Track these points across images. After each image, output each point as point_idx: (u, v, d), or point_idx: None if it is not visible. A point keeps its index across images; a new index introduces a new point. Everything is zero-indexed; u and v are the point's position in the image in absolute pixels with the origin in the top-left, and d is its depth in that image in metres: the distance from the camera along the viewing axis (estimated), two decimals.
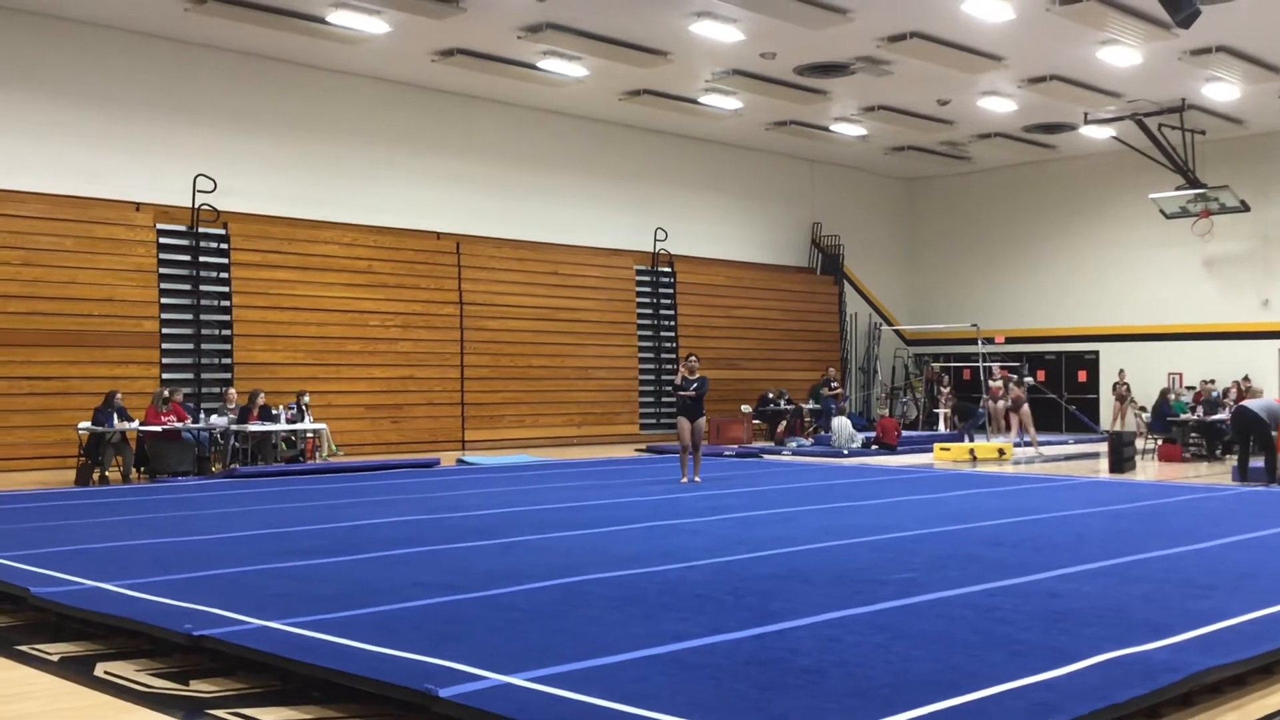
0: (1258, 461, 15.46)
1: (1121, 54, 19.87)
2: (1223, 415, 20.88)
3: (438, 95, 22.80)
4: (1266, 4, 17.35)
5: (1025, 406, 22.06)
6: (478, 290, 22.97)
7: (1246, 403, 15.62)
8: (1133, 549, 8.95)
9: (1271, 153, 26.39)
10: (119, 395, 16.39)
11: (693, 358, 15.45)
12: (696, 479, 15.14)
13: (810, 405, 26.21)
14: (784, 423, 25.13)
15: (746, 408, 25.58)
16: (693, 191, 27.37)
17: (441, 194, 22.97)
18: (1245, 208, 24.97)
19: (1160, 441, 20.60)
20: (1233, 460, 19.95)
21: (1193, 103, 23.31)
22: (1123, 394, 26.53)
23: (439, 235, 22.88)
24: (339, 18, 18.07)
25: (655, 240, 26.33)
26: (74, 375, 17.81)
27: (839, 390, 27.00)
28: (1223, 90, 22.38)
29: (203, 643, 5.82)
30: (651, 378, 25.96)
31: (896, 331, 31.40)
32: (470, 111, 23.36)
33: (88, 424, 16.04)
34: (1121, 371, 27.20)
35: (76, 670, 5.78)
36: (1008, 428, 24.69)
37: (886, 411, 25.27)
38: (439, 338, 22.32)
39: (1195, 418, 20.78)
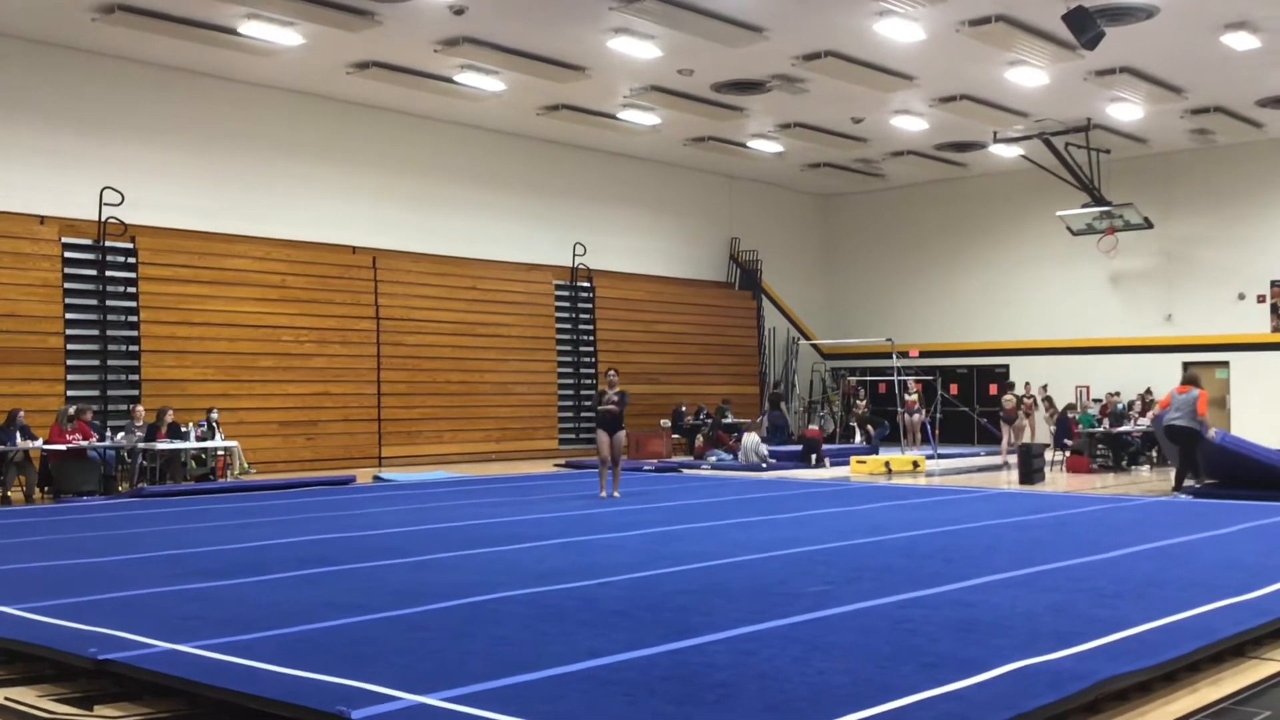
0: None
1: (1029, 74, 20.33)
2: (1128, 427, 21.41)
3: (353, 108, 22.59)
4: (1168, 27, 17.87)
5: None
6: (395, 305, 22.76)
7: (1170, 420, 15.61)
8: (1041, 559, 9.12)
9: (1174, 171, 27.17)
10: (22, 413, 15.96)
11: (612, 372, 15.51)
12: (615, 494, 15.15)
13: (730, 420, 26.35)
14: (700, 437, 25.23)
15: (665, 422, 25.66)
16: (611, 206, 27.43)
17: (358, 208, 22.74)
18: (1149, 225, 25.67)
19: (1068, 453, 21.05)
20: (1139, 470, 20.51)
21: (1098, 122, 23.94)
22: (1029, 407, 27.02)
23: (355, 249, 22.64)
24: (251, 29, 17.82)
25: (574, 255, 26.33)
26: None
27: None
28: (1126, 110, 23.00)
29: (108, 667, 5.68)
30: (571, 393, 25.92)
31: (814, 346, 31.74)
32: (386, 125, 23.18)
33: None
34: (1027, 384, 27.71)
35: None
36: (924, 440, 25.07)
37: (816, 425, 25.41)
38: (355, 353, 22.06)
39: (1102, 430, 21.26)
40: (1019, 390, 24.40)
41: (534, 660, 5.69)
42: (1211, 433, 15.33)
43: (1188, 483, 15.72)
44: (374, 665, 5.59)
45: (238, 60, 19.58)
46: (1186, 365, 26.18)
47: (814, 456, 21.75)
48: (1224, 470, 15.52)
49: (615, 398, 15.00)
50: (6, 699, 5.56)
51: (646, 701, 4.98)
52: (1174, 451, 15.93)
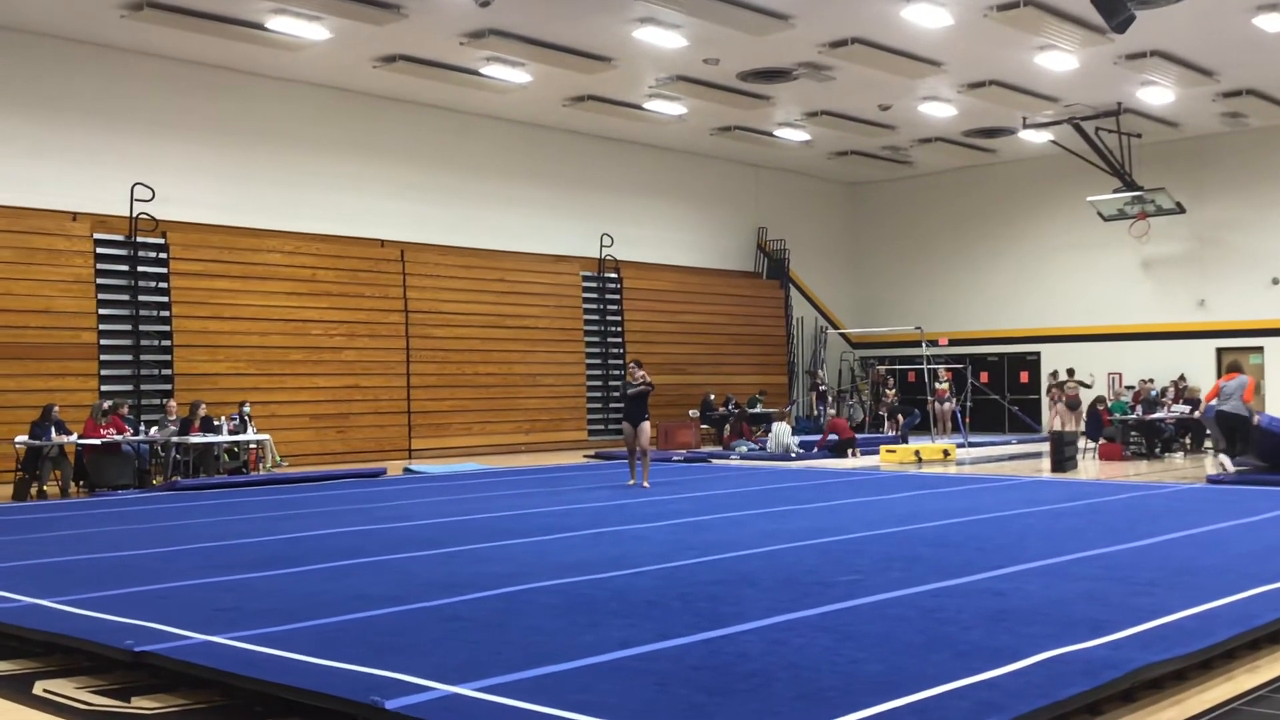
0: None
1: (1058, 59, 20.16)
2: (1161, 414, 21.24)
3: (380, 101, 22.66)
4: (1199, 9, 17.68)
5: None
6: (423, 298, 22.84)
7: (1222, 407, 15.68)
8: (1074, 547, 9.07)
9: (1206, 155, 26.89)
10: (56, 408, 16.12)
11: (633, 364, 15.76)
12: (645, 484, 15.20)
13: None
14: (728, 426, 25.22)
15: (694, 412, 25.65)
16: (638, 197, 27.40)
17: (385, 201, 22.82)
18: (1181, 210, 25.43)
19: (1099, 442, 20.90)
20: (1172, 457, 20.35)
21: (1129, 106, 23.72)
22: (1058, 395, 26.89)
23: (383, 243, 22.73)
24: (278, 24, 17.91)
25: (601, 246, 26.34)
26: (10, 388, 17.46)
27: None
28: (1158, 94, 22.77)
29: (144, 659, 5.73)
30: (599, 384, 25.94)
31: (842, 335, 31.63)
32: (413, 118, 23.24)
33: (25, 438, 15.75)
34: (1055, 372, 27.54)
35: (14, 689, 5.67)
36: (954, 428, 24.95)
37: (845, 415, 25.22)
38: (384, 346, 22.16)
39: (1135, 417, 21.10)
40: (1081, 376, 24.35)
41: (566, 650, 5.71)
42: (1255, 419, 15.39)
43: (1216, 472, 15.71)
44: (407, 656, 5.61)
45: (265, 55, 19.68)
46: (1221, 352, 26.04)
47: (848, 450, 21.59)
48: (1270, 453, 15.52)
49: (641, 381, 15.24)
50: (45, 690, 5.62)
51: (679, 691, 4.99)
52: (1224, 437, 15.94)
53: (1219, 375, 26.25)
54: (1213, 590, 7.07)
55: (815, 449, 21.73)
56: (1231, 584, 7.28)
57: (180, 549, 9.80)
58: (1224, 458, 15.78)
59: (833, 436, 21.92)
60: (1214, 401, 15.81)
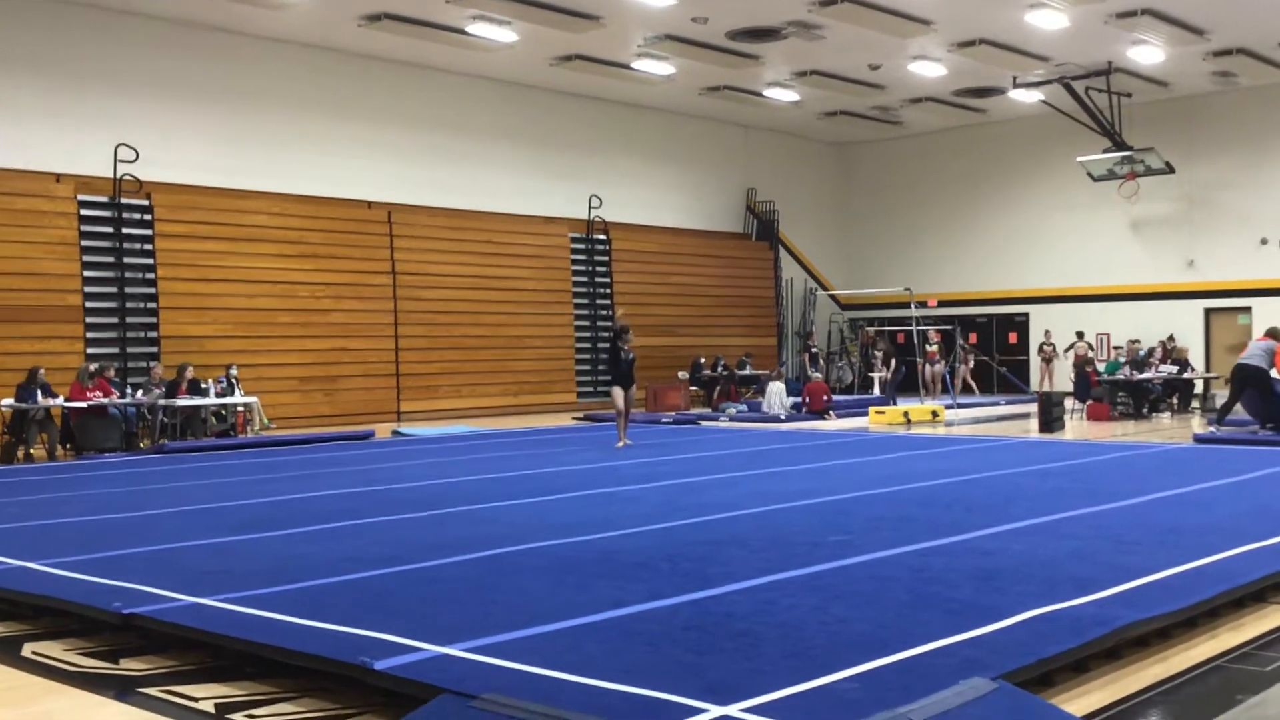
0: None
1: (1049, 17, 20.06)
2: (1149, 375, 21.30)
3: (366, 61, 22.46)
4: None
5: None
6: (411, 260, 22.75)
7: (1243, 359, 15.95)
8: (1061, 507, 9.11)
9: (1196, 115, 26.83)
10: (42, 371, 16.07)
11: (628, 332, 15.90)
12: (628, 441, 15.46)
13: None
14: (717, 388, 25.25)
15: (683, 374, 25.66)
16: (626, 158, 27.27)
17: (372, 162, 22.67)
18: (1170, 170, 25.39)
19: (1087, 402, 20.97)
20: (1160, 417, 20.44)
21: (1119, 66, 23.64)
22: (1048, 355, 27.02)
23: (370, 204, 22.61)
24: None
25: (590, 207, 26.23)
26: None
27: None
28: (1148, 53, 22.69)
29: (133, 621, 5.73)
30: (588, 346, 25.91)
31: (831, 296, 31.61)
32: (399, 78, 23.05)
33: (11, 401, 15.72)
34: (1047, 332, 27.65)
35: (3, 651, 5.67)
36: (943, 389, 25.01)
37: (819, 375, 25.23)
38: (372, 308, 22.09)
39: (1123, 377, 21.16)
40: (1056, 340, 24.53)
41: (556, 611, 5.72)
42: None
43: (1210, 429, 15.80)
44: (397, 617, 5.62)
45: (250, 14, 19.46)
46: (1209, 312, 26.13)
47: (824, 413, 21.66)
48: None
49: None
50: (34, 653, 5.62)
51: (668, 650, 5.00)
52: (1244, 392, 16.01)
53: (1207, 336, 26.47)
54: (1198, 549, 7.10)
55: (803, 410, 21.79)
56: (1216, 543, 7.31)
57: (168, 511, 9.79)
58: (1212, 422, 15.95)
59: (807, 400, 22.03)
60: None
